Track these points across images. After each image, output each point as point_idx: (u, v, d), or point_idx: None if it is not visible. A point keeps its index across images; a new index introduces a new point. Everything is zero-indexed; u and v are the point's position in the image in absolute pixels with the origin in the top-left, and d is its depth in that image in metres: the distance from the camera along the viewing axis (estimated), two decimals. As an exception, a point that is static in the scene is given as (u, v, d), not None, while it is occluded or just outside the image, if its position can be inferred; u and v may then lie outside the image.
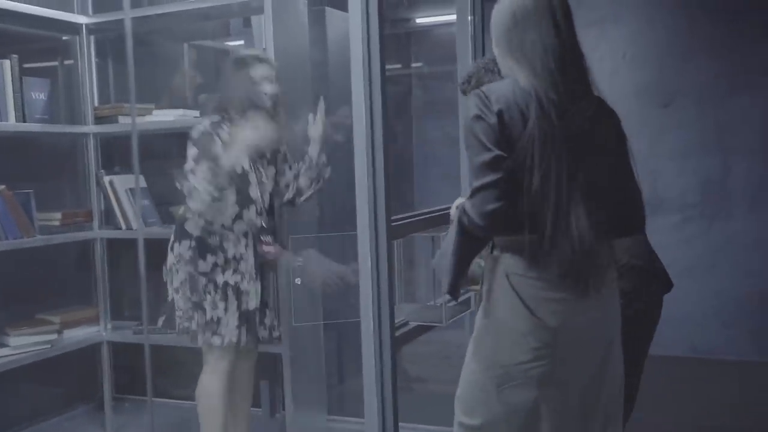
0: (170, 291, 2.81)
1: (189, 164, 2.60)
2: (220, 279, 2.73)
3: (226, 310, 2.73)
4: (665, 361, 3.30)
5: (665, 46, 4.54)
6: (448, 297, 1.97)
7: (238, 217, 2.73)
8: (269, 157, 2.83)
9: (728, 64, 4.34)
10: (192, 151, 2.62)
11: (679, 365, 4.21)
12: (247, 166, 2.71)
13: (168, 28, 3.62)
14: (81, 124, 3.55)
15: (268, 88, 2.70)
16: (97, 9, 3.66)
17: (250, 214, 2.75)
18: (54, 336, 3.32)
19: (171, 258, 2.80)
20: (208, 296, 2.72)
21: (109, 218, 3.53)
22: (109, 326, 3.61)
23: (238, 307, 2.75)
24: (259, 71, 2.71)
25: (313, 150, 2.86)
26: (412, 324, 2.70)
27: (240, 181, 2.68)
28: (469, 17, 3.18)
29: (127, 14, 3.04)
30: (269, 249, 2.78)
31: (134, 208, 3.42)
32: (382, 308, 2.22)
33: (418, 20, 5.48)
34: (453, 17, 3.27)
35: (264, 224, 2.79)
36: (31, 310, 3.42)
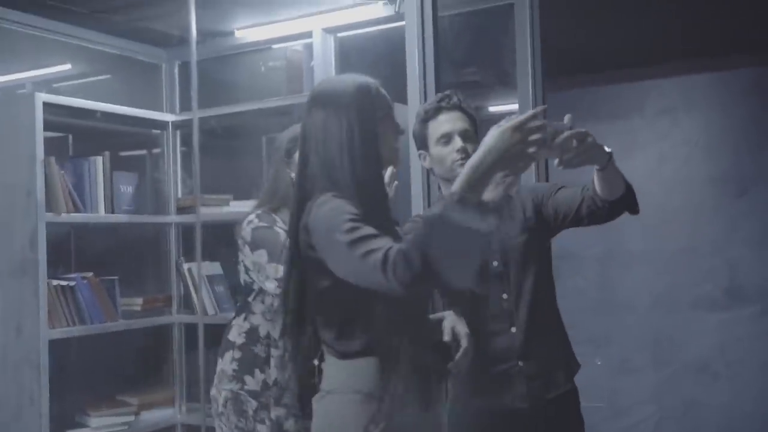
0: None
1: (262, 259, 2.37)
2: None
3: None
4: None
5: (739, 133, 4.51)
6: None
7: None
8: None
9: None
10: (258, 248, 2.39)
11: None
12: None
13: (247, 123, 3.85)
14: (164, 214, 3.78)
15: None
16: (185, 107, 3.96)
17: None
18: (131, 417, 3.46)
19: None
20: (259, 426, 2.40)
21: (186, 304, 3.70)
22: (183, 408, 3.73)
23: None
24: None
25: None
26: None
27: None
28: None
29: (195, 114, 3.27)
30: None
31: (210, 294, 3.58)
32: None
33: (491, 108, 5.61)
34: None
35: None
36: (112, 391, 3.59)
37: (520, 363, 2.12)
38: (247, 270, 2.51)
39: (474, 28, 3.65)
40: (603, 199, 1.98)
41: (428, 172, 2.44)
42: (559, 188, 2.18)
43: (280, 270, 2.09)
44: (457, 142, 2.11)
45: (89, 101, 3.37)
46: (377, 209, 1.70)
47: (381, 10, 3.36)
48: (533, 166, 3.23)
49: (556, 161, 1.71)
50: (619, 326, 4.81)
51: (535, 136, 1.49)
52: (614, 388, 4.78)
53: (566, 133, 1.65)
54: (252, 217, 2.47)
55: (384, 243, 1.52)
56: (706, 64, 4.54)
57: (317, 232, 1.64)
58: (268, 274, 2.35)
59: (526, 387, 2.13)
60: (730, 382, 4.38)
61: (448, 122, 2.14)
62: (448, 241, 1.44)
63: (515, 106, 3.38)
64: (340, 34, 3.67)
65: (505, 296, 2.14)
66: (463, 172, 1.49)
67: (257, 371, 2.44)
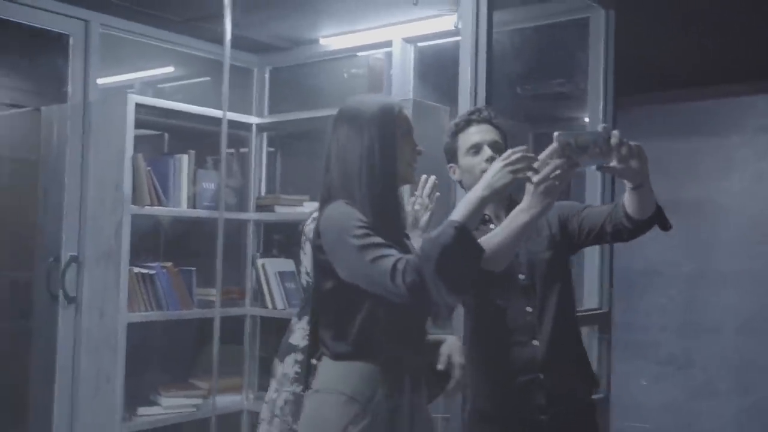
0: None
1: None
2: None
3: None
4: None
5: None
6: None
7: None
8: None
9: None
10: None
11: None
12: None
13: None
14: (246, 211, 3.97)
15: None
16: (274, 110, 4.16)
17: None
18: (200, 400, 3.66)
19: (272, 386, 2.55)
20: None
21: (259, 297, 3.88)
22: (251, 396, 3.92)
23: None
24: None
25: None
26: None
27: None
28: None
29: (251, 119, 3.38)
30: None
31: (280, 289, 3.74)
32: None
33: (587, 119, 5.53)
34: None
35: None
36: (184, 374, 3.80)
37: (541, 375, 2.14)
38: (306, 271, 2.57)
39: (561, 39, 3.65)
40: (633, 218, 1.98)
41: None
42: (586, 206, 2.20)
43: None
44: (487, 152, 2.15)
45: (177, 102, 3.60)
46: (389, 222, 1.80)
47: (459, 22, 3.42)
48: (599, 183, 3.22)
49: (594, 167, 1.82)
50: (703, 348, 4.65)
51: (518, 166, 1.71)
52: (695, 412, 4.62)
53: (616, 139, 1.74)
54: (317, 214, 2.52)
55: (393, 252, 1.66)
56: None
57: (327, 235, 1.76)
58: None
59: (546, 399, 2.14)
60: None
61: (477, 134, 2.18)
62: (450, 260, 1.59)
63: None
64: (419, 44, 3.76)
65: (529, 309, 2.17)
66: (462, 203, 1.68)
67: None
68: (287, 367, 2.53)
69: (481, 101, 2.55)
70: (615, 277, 3.33)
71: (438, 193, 2.32)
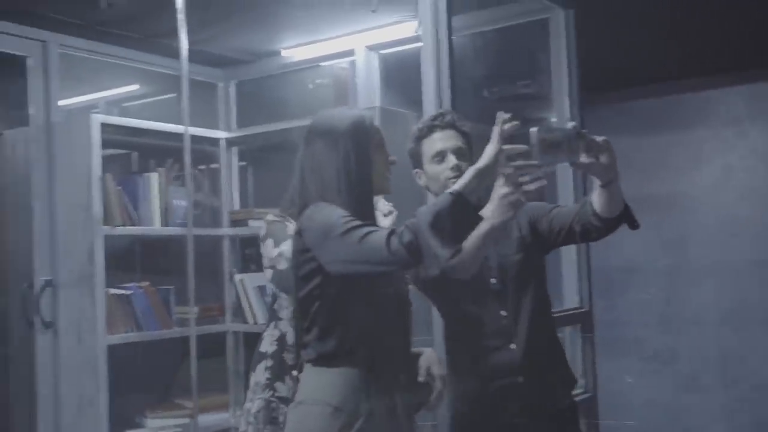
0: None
1: (268, 248, 2.34)
2: None
3: None
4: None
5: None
6: None
7: None
8: None
9: None
10: (267, 238, 2.35)
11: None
12: None
13: (296, 139, 3.97)
14: (220, 226, 3.96)
15: None
16: (242, 124, 4.15)
17: None
18: (186, 420, 3.63)
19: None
20: None
21: (239, 312, 3.86)
22: (238, 413, 3.89)
23: None
24: None
25: None
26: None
27: None
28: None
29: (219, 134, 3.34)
30: None
31: (260, 303, 3.72)
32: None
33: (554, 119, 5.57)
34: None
35: None
36: (169, 394, 3.78)
37: (520, 378, 2.15)
38: (269, 279, 2.47)
39: (524, 41, 3.67)
40: (601, 216, 1.99)
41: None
42: (556, 206, 2.20)
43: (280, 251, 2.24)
44: (451, 160, 2.16)
45: (142, 120, 3.59)
46: None
47: (422, 28, 3.43)
48: (571, 180, 3.24)
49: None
50: (686, 342, 4.69)
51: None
52: (681, 406, 4.65)
53: (583, 136, 1.79)
54: (270, 215, 2.49)
55: (378, 227, 1.73)
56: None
57: (310, 231, 1.79)
58: (270, 259, 2.32)
59: (526, 402, 2.15)
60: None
61: (441, 140, 2.19)
62: (446, 224, 1.65)
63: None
64: (382, 51, 3.77)
65: (503, 313, 2.17)
66: (466, 175, 1.73)
67: (287, 378, 2.43)
68: (258, 375, 2.49)
69: (447, 106, 2.56)
70: (594, 275, 3.35)
71: (395, 212, 2.34)
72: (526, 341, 2.15)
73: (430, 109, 2.58)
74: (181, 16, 3.05)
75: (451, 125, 2.20)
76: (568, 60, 3.24)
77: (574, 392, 3.10)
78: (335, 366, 1.80)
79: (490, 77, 4.16)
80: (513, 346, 2.16)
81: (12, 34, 3.44)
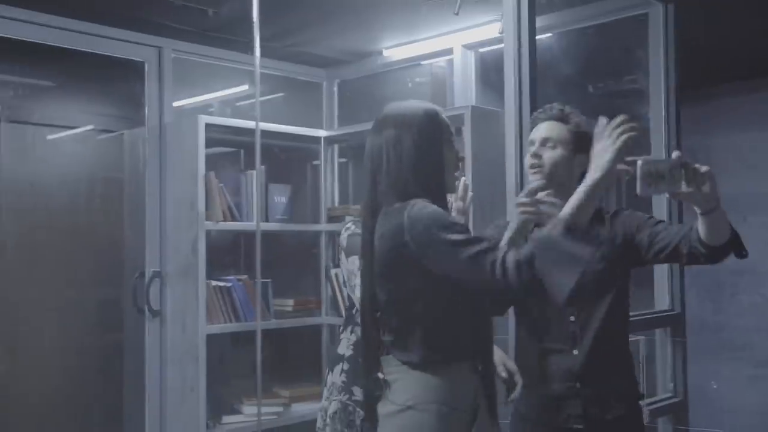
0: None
1: (354, 266, 2.36)
2: None
3: None
4: None
5: None
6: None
7: None
8: None
9: None
10: (351, 255, 2.40)
11: None
12: None
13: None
14: (318, 222, 4.07)
15: None
16: (343, 122, 4.25)
17: None
18: (281, 408, 3.78)
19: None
20: None
21: (334, 306, 3.97)
22: (331, 404, 3.99)
23: None
24: None
25: None
26: None
27: None
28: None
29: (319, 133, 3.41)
30: None
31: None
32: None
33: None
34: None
35: None
36: (267, 383, 3.92)
37: (578, 384, 2.12)
38: (344, 281, 2.59)
39: (626, 36, 3.58)
40: (706, 243, 1.95)
41: (521, 174, 2.50)
42: (658, 222, 2.16)
43: None
44: (531, 149, 2.17)
45: (245, 120, 3.73)
46: None
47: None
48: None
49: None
50: (803, 349, 4.42)
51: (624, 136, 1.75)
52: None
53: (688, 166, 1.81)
54: (349, 224, 2.53)
55: (490, 245, 1.71)
56: None
57: (416, 229, 1.72)
58: (358, 282, 2.27)
59: (582, 408, 2.12)
60: None
61: (536, 131, 2.20)
62: (554, 261, 1.64)
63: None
64: (480, 50, 3.76)
65: (572, 318, 2.14)
66: (574, 197, 1.75)
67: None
68: (335, 376, 2.52)
69: (526, 105, 2.54)
70: (702, 278, 3.23)
71: (471, 193, 2.35)
72: (590, 348, 2.12)
73: (510, 108, 2.57)
74: (255, 20, 3.15)
75: (552, 117, 2.18)
76: (665, 56, 3.12)
77: (663, 397, 3.04)
78: (445, 364, 1.77)
79: (594, 73, 4.07)
80: (576, 351, 2.13)
81: (131, 41, 3.68)
